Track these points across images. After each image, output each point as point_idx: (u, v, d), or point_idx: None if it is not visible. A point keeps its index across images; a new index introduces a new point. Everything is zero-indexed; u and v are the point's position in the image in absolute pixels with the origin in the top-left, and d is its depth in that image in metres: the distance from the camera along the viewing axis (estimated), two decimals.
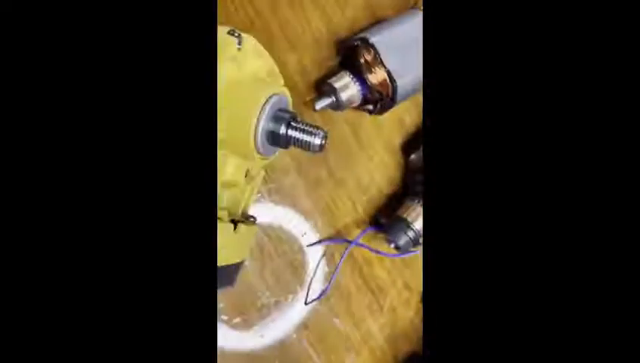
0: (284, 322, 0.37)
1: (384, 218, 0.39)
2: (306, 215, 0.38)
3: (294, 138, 0.25)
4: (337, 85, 0.35)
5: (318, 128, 0.25)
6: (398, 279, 0.41)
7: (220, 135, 0.24)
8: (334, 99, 0.35)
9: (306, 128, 0.25)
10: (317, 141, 0.25)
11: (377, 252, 0.38)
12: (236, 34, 0.24)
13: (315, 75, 0.39)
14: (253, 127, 0.23)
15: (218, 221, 0.24)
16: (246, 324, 0.36)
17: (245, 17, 0.37)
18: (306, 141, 0.25)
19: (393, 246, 0.37)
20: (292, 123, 0.25)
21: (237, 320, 0.36)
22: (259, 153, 0.25)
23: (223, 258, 0.25)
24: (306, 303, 0.38)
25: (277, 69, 0.28)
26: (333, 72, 0.38)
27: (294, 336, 0.37)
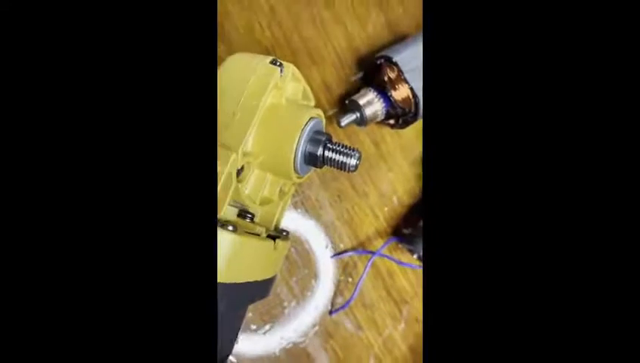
0: (309, 331, 0.38)
1: (406, 229, 0.40)
2: (329, 226, 0.39)
3: (331, 158, 0.26)
4: (361, 101, 0.36)
5: (353, 149, 0.26)
6: (420, 290, 0.41)
7: (260, 158, 0.25)
8: (359, 115, 0.36)
9: (341, 149, 0.26)
10: (353, 161, 0.26)
11: (400, 262, 0.39)
12: (278, 63, 0.25)
13: (336, 90, 0.40)
14: (294, 149, 0.24)
15: (256, 238, 0.25)
16: (273, 332, 0.37)
17: (271, 36, 0.38)
18: (342, 161, 0.26)
19: (415, 256, 0.38)
20: (328, 145, 0.26)
21: (266, 327, 0.37)
22: (296, 172, 0.26)
23: (264, 273, 0.26)
24: (330, 313, 0.39)
25: (310, 91, 0.29)
26: (354, 88, 0.39)
27: (319, 344, 0.38)
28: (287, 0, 0.38)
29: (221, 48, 0.37)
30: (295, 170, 0.25)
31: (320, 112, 0.27)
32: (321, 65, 0.39)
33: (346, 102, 0.37)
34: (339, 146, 0.26)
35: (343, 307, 0.39)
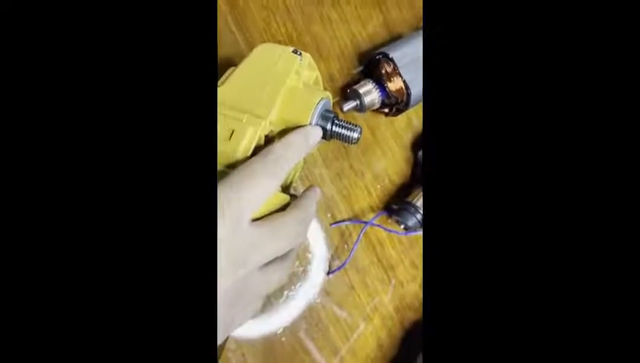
0: (311, 289, 0.44)
1: (395, 205, 0.46)
2: (330, 199, 0.45)
3: (337, 132, 0.32)
4: (361, 90, 0.42)
5: (355, 125, 0.32)
6: (406, 258, 0.48)
7: (280, 128, 0.30)
8: (359, 102, 0.42)
9: (346, 125, 0.32)
10: (355, 134, 0.32)
11: (389, 230, 0.45)
12: (298, 52, 0.31)
13: (339, 81, 0.46)
14: (308, 123, 0.30)
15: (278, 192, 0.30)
16: (279, 289, 0.43)
17: (285, 32, 0.43)
18: (346, 135, 0.32)
19: (402, 226, 0.44)
20: (335, 121, 0.32)
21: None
22: None
23: None
24: (327, 274, 0.45)
25: (320, 79, 0.35)
26: (355, 80, 0.45)
27: (318, 301, 0.44)
28: (301, 0, 0.44)
29: (241, 39, 0.42)
30: None
31: (329, 94, 0.33)
32: (327, 59, 0.45)
33: (348, 91, 0.43)
34: (344, 122, 0.32)
35: (338, 268, 0.44)
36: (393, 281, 0.47)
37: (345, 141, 0.32)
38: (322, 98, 0.31)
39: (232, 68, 0.31)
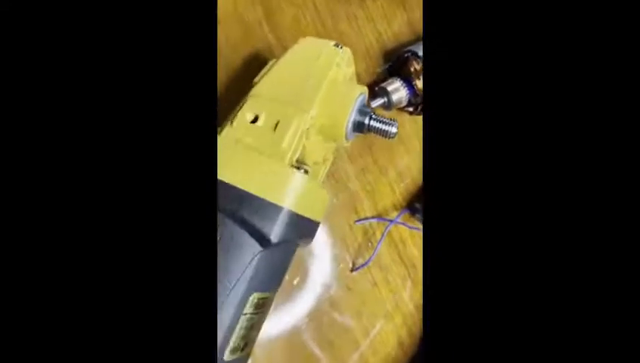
0: (336, 283, 0.44)
1: (418, 203, 0.46)
2: (354, 195, 0.45)
3: (375, 127, 0.32)
4: (389, 88, 0.42)
5: (393, 119, 0.32)
6: None
7: (320, 122, 0.31)
8: (386, 100, 0.42)
9: (384, 120, 0.32)
10: (394, 129, 0.32)
11: (413, 228, 0.45)
12: (340, 46, 0.31)
13: (365, 79, 0.46)
14: (347, 117, 0.30)
15: (317, 183, 0.31)
16: (303, 284, 0.43)
17: (314, 29, 0.44)
18: (385, 129, 0.32)
19: None
20: (373, 116, 0.32)
21: (296, 280, 0.43)
22: (345, 137, 0.32)
23: (317, 215, 0.31)
24: (351, 270, 0.45)
25: (355, 74, 0.35)
26: (380, 79, 0.45)
27: (342, 295, 0.44)
28: None
29: (271, 36, 0.43)
30: (345, 135, 0.31)
31: (366, 89, 0.33)
32: (353, 57, 0.46)
33: (376, 88, 0.43)
34: (381, 117, 0.32)
35: (363, 265, 0.45)
36: (413, 279, 0.47)
37: (383, 136, 0.33)
38: (361, 93, 0.31)
39: (273, 60, 0.32)
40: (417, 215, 0.45)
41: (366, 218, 0.45)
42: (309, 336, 0.42)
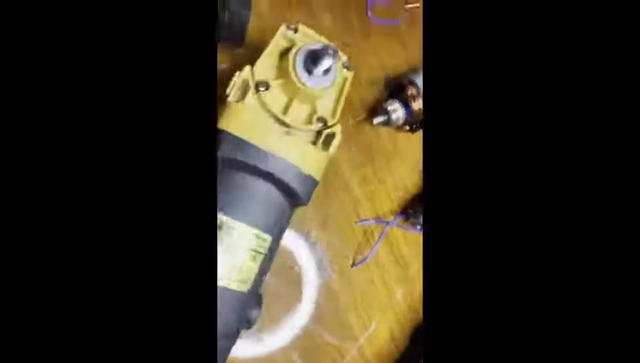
0: (340, 279, 0.50)
1: (411, 209, 0.53)
2: (356, 201, 0.52)
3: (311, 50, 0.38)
4: (389, 108, 0.49)
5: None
6: (418, 257, 0.54)
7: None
8: (386, 118, 0.50)
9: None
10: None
11: (407, 229, 0.52)
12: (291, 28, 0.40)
13: (368, 101, 0.54)
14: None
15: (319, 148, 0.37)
16: (306, 277, 0.49)
17: None
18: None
19: (418, 227, 0.51)
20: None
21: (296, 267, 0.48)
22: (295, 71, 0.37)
23: (318, 174, 0.38)
24: (352, 266, 0.51)
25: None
26: (380, 100, 0.53)
27: (341, 291, 0.50)
28: (340, 31, 0.52)
29: None
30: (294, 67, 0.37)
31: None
32: (359, 84, 0.53)
33: (378, 108, 0.50)
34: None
35: (361, 261, 0.51)
36: (408, 279, 0.53)
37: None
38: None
39: None
40: (411, 219, 0.52)
41: (366, 220, 0.52)
42: (314, 329, 0.48)
